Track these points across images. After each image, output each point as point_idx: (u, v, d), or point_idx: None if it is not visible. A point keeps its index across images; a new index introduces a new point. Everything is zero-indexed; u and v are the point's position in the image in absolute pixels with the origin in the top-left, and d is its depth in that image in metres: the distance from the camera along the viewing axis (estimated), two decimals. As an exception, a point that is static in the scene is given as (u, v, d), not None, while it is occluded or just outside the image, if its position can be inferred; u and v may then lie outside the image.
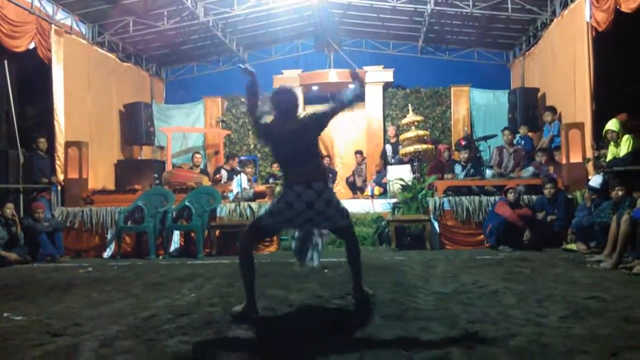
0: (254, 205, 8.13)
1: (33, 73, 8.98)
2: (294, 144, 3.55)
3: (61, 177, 8.66)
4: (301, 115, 3.74)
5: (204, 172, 10.31)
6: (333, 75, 11.43)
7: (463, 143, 9.42)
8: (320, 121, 3.68)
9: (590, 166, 7.59)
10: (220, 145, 11.67)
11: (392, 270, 5.47)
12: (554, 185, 7.21)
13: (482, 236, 7.54)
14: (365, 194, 10.01)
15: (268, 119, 3.65)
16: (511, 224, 7.03)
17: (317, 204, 3.49)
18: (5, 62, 8.22)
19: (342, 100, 3.71)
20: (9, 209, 7.10)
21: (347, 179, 11.44)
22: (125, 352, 2.77)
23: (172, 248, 7.97)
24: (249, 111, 3.65)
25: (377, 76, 11.44)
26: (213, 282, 5.01)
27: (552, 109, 9.02)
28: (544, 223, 7.09)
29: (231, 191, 8.91)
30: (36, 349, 2.87)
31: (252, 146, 11.76)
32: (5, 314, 3.77)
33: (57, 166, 8.67)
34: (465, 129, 10.97)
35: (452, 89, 11.52)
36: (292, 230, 3.77)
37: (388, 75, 11.45)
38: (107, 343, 2.94)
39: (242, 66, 3.67)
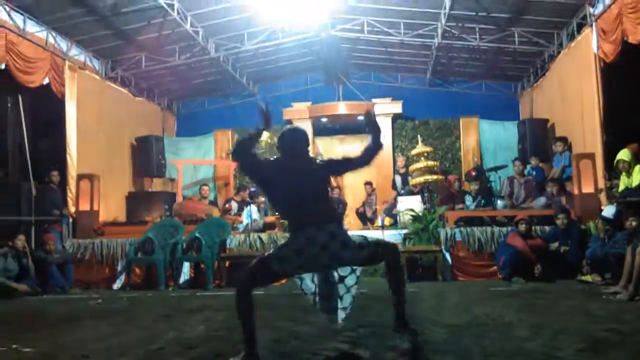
0: (264, 236, 8.11)
1: (46, 107, 9.13)
2: (304, 184, 3.27)
3: (72, 209, 8.72)
4: (315, 158, 3.63)
5: (213, 203, 10.33)
6: (342, 107, 11.55)
7: (473, 174, 9.41)
8: (336, 169, 3.61)
9: (602, 196, 7.52)
10: (231, 177, 11.73)
11: (404, 302, 5.38)
12: (566, 216, 7.14)
13: (495, 267, 7.45)
14: (375, 224, 9.97)
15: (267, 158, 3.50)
16: (523, 256, 6.94)
17: (331, 246, 3.15)
18: (20, 96, 8.37)
19: (363, 160, 3.48)
20: (20, 241, 7.14)
21: (357, 210, 11.40)
22: (133, 385, 2.73)
23: (181, 279, 7.94)
24: (246, 145, 3.34)
25: (386, 108, 11.53)
26: (222, 314, 4.95)
27: (563, 139, 9.01)
28: (557, 254, 6.99)
29: (241, 222, 8.90)
30: (44, 381, 2.84)
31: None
32: (14, 346, 3.74)
33: (68, 198, 8.74)
34: (475, 159, 10.97)
35: (460, 120, 11.58)
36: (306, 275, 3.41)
37: (397, 107, 11.53)
38: (115, 376, 2.90)
39: (262, 104, 3.43)
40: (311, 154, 3.61)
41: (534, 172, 9.22)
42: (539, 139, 9.88)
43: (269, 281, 3.49)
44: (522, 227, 7.12)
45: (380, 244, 3.46)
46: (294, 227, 3.28)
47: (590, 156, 7.71)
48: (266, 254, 3.28)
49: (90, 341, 3.88)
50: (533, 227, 7.37)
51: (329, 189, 3.57)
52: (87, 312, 5.42)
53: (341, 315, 3.48)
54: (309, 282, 3.48)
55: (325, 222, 3.23)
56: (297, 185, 3.26)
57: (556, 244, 7.06)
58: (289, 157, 3.39)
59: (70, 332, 4.31)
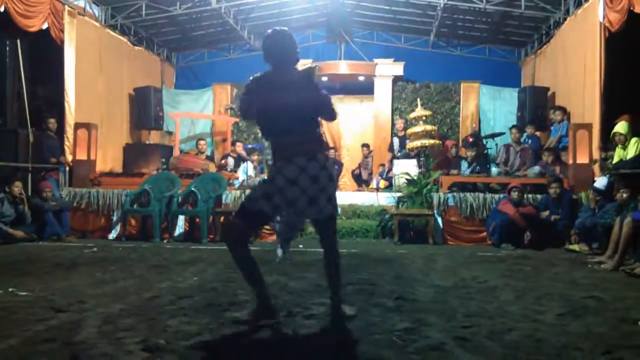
0: (259, 193, 8.16)
1: (45, 53, 9.05)
2: (294, 101, 2.89)
3: (70, 157, 8.74)
4: (303, 70, 3.11)
5: (210, 159, 10.37)
6: (343, 66, 11.44)
7: (470, 140, 9.44)
8: (319, 103, 3.05)
9: (596, 168, 7.57)
10: (228, 133, 11.70)
11: (393, 263, 5.51)
12: (559, 185, 7.22)
13: (485, 233, 7.57)
14: (370, 187, 10.04)
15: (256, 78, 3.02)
16: (514, 223, 7.05)
17: (321, 177, 2.89)
18: (18, 41, 8.29)
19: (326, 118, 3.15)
20: (17, 187, 7.18)
21: (353, 171, 11.48)
22: (127, 329, 2.83)
23: (176, 232, 8.04)
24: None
25: (387, 69, 11.43)
26: (216, 267, 5.07)
27: (562, 109, 9.00)
28: (547, 222, 7.10)
29: (237, 178, 8.96)
30: (40, 323, 2.93)
31: (259, 134, 11.77)
32: (10, 289, 3.84)
33: (66, 147, 8.75)
34: (474, 125, 10.96)
35: (462, 84, 11.48)
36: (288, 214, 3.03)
37: (398, 69, 11.42)
38: (110, 320, 3.00)
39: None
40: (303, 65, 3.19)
41: (530, 141, 9.25)
42: (538, 108, 9.85)
43: (254, 226, 3.19)
44: (515, 194, 7.20)
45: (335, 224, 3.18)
46: (282, 156, 2.93)
47: (588, 127, 7.71)
48: (245, 198, 3.05)
49: (85, 287, 3.99)
50: (525, 195, 7.46)
51: (318, 117, 3.10)
52: (83, 260, 5.52)
53: (282, 254, 3.49)
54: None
55: (315, 152, 2.93)
56: (288, 99, 2.90)
57: (547, 213, 7.17)
58: (277, 67, 3.02)
59: (66, 278, 4.41)
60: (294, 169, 2.86)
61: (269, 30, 3.11)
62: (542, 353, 2.52)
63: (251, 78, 3.02)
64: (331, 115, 3.12)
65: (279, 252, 3.54)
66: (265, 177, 3.04)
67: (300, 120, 2.94)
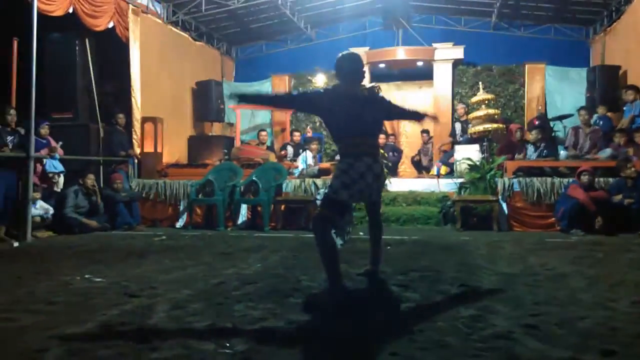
0: (318, 181, 8.23)
1: (111, 51, 9.41)
2: (363, 112, 3.41)
3: (138, 150, 9.10)
4: (374, 88, 3.74)
5: (270, 149, 10.52)
6: (401, 52, 11.29)
7: (536, 122, 9.10)
8: (388, 108, 3.69)
9: (674, 148, 7.14)
10: (287, 123, 11.83)
11: (457, 250, 5.42)
12: (632, 166, 6.84)
13: (553, 219, 7.29)
14: (431, 173, 9.89)
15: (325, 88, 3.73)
16: (584, 208, 6.76)
17: (381, 178, 3.50)
18: (87, 40, 8.66)
19: (410, 113, 3.99)
20: (90, 180, 7.54)
21: (413, 158, 11.33)
22: (196, 314, 2.93)
23: (239, 221, 8.23)
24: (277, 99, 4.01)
25: (447, 53, 11.18)
26: (278, 254, 5.15)
27: (635, 88, 8.50)
28: (619, 207, 6.75)
29: (297, 167, 9.05)
30: (115, 308, 3.08)
31: (317, 124, 11.84)
32: (86, 276, 4.05)
33: (134, 140, 9.12)
34: (540, 108, 10.55)
35: (526, 66, 11.07)
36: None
37: (458, 52, 11.15)
38: (180, 305, 3.11)
39: (233, 96, 3.73)
40: (367, 84, 3.79)
41: (601, 122, 8.79)
42: (609, 88, 9.35)
43: (340, 215, 3.44)
44: (585, 178, 6.89)
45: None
46: (351, 154, 3.39)
47: (664, 106, 7.27)
48: (328, 191, 3.42)
49: (156, 274, 4.15)
50: (596, 179, 7.13)
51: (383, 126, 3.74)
52: (153, 248, 5.75)
53: (341, 241, 3.82)
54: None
55: (377, 155, 3.50)
56: (358, 112, 3.40)
57: (620, 197, 6.82)
58: (347, 83, 3.50)
59: (137, 265, 4.60)
60: (362, 165, 3.35)
61: (342, 53, 3.69)
62: (616, 342, 2.41)
63: (323, 88, 3.67)
64: (405, 113, 4.02)
65: (338, 240, 3.68)
66: (337, 170, 3.46)
67: (369, 127, 3.50)
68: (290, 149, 10.40)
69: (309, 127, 11.41)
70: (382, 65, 11.60)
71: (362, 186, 3.34)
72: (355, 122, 3.40)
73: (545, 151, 8.34)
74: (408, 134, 12.20)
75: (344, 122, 3.45)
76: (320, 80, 11.20)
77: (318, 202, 3.96)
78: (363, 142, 3.42)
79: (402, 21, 11.73)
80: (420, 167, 11.04)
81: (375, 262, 3.92)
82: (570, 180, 7.25)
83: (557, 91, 10.93)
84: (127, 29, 9.03)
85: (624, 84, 9.19)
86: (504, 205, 7.56)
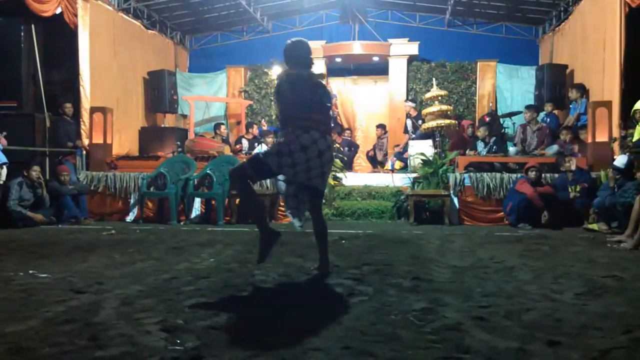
0: (274, 175, 8.16)
1: (59, 38, 9.07)
2: (311, 92, 3.58)
3: (86, 141, 8.81)
4: (317, 74, 3.86)
5: (226, 142, 10.38)
6: (357, 47, 11.32)
7: (487, 119, 9.31)
8: (321, 98, 3.71)
9: (616, 146, 7.45)
10: (242, 116, 11.71)
11: (409, 244, 5.50)
12: (569, 160, 7.13)
13: (502, 213, 7.51)
14: (385, 168, 9.99)
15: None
16: (531, 202, 6.97)
17: (325, 155, 3.53)
18: (33, 26, 8.31)
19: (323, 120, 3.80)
20: (35, 172, 7.27)
21: (368, 152, 11.42)
22: (146, 310, 2.85)
23: (193, 215, 8.10)
24: None
25: (402, 49, 11.30)
26: (232, 249, 5.10)
27: (580, 87, 8.83)
28: (565, 202, 7.01)
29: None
30: (60, 304, 2.97)
31: (273, 117, 11.77)
32: (30, 271, 3.90)
33: (82, 131, 8.82)
34: (490, 105, 10.81)
35: (478, 63, 11.33)
36: (286, 178, 3.66)
37: (413, 49, 11.29)
38: (128, 301, 3.03)
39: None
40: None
41: (548, 119, 9.10)
42: (556, 86, 9.68)
43: (260, 174, 3.74)
44: (532, 174, 7.12)
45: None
46: (299, 126, 3.51)
47: (607, 104, 7.57)
48: (261, 153, 3.68)
49: (104, 269, 4.03)
50: (543, 175, 7.37)
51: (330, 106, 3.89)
52: (101, 242, 5.59)
53: (298, 222, 3.81)
54: (282, 182, 3.77)
55: (326, 132, 3.60)
56: (307, 89, 3.58)
57: (572, 192, 7.03)
58: (296, 66, 3.68)
59: (84, 260, 4.45)
60: (308, 138, 3.46)
61: (291, 39, 3.82)
62: (561, 332, 2.49)
63: (277, 76, 3.82)
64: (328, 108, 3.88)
65: (295, 221, 3.76)
66: (281, 138, 3.61)
67: (316, 105, 3.61)
68: (245, 142, 10.30)
69: (263, 120, 11.33)
70: (338, 60, 11.63)
71: (298, 159, 3.43)
72: (305, 100, 3.55)
73: (494, 147, 8.56)
74: (363, 129, 12.29)
75: (292, 99, 3.58)
76: (275, 73, 11.12)
77: (281, 195, 3.94)
78: (311, 117, 3.54)
79: (358, 16, 11.78)
80: (375, 162, 11.14)
81: (322, 260, 3.84)
82: (519, 175, 7.47)
83: (507, 88, 11.24)
84: (76, 16, 8.70)
85: (570, 82, 9.53)
86: (455, 200, 7.73)
